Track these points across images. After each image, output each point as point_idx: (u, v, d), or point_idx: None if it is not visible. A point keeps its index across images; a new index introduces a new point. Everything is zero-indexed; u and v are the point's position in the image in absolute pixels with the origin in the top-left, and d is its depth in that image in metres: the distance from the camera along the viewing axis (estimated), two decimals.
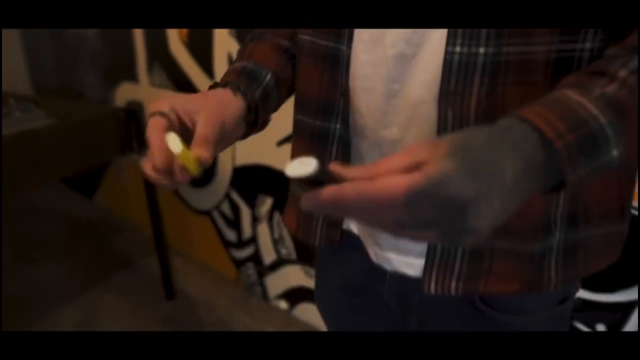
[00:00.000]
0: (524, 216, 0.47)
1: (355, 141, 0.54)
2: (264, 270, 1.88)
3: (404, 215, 0.33)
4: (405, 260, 0.53)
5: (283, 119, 1.62)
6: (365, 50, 0.50)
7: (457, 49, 0.43)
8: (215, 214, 2.01)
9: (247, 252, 1.93)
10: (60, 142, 1.44)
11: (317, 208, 0.35)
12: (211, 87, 0.54)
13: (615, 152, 0.35)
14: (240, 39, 1.61)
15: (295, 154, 0.63)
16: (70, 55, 2.50)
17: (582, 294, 1.09)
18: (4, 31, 2.75)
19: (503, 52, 0.42)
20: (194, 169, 0.45)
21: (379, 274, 0.59)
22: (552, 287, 0.51)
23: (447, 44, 0.44)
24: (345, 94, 0.53)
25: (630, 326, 1.04)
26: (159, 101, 0.48)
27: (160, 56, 1.96)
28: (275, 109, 0.63)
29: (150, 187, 1.76)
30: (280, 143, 1.63)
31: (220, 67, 1.72)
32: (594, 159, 0.35)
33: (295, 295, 1.81)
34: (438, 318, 0.58)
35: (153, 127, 0.44)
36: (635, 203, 0.98)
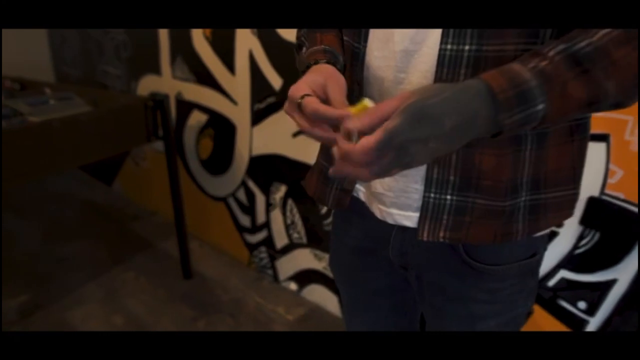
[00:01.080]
0: (497, 180, 0.60)
1: None
2: (275, 254, 2.02)
3: (378, 160, 0.47)
4: (405, 214, 0.66)
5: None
6: (378, 47, 0.62)
7: (448, 46, 0.56)
8: (231, 201, 2.14)
9: (260, 236, 2.06)
10: (97, 128, 1.57)
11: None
12: (308, 66, 0.63)
13: (540, 107, 0.49)
14: (261, 37, 1.74)
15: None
16: (94, 47, 2.64)
17: (566, 274, 1.21)
18: None
19: (483, 50, 0.55)
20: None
21: (384, 235, 0.72)
22: (519, 238, 0.63)
23: (441, 42, 0.56)
24: (360, 82, 0.66)
25: (608, 304, 1.16)
26: (297, 87, 0.58)
27: (183, 50, 2.09)
28: None
29: (173, 174, 1.89)
30: (295, 135, 1.75)
31: (242, 63, 1.85)
32: (524, 110, 0.49)
33: (304, 277, 1.94)
34: (431, 270, 0.71)
35: (311, 102, 0.55)
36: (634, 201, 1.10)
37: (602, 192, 1.12)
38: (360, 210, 0.73)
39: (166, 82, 2.24)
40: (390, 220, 0.68)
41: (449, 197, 0.62)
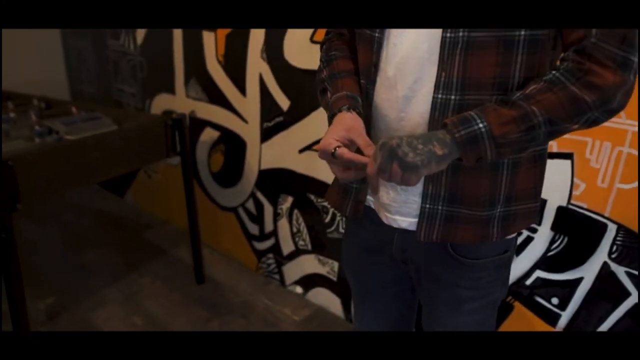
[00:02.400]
0: (478, 196, 0.78)
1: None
2: (282, 260, 2.19)
3: (389, 172, 0.69)
4: (406, 219, 0.84)
5: (305, 131, 1.95)
6: (384, 92, 0.80)
7: (439, 95, 0.74)
8: (241, 211, 2.31)
9: (268, 244, 2.23)
10: (123, 144, 1.75)
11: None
12: (333, 115, 0.82)
13: (481, 125, 0.69)
14: (270, 62, 1.93)
15: None
16: (111, 67, 2.82)
17: (541, 274, 1.39)
18: (47, 39, 3.07)
19: (465, 99, 0.73)
20: None
21: (389, 237, 0.90)
22: (494, 240, 0.82)
23: (434, 92, 0.75)
24: (368, 119, 0.84)
25: (576, 299, 1.34)
26: (328, 142, 0.76)
27: (197, 72, 2.28)
28: None
29: (189, 186, 2.07)
30: (302, 151, 1.94)
31: (252, 85, 2.03)
32: (467, 127, 0.69)
33: (309, 281, 2.11)
34: (427, 264, 0.89)
35: (344, 153, 0.74)
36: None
37: (568, 202, 1.30)
38: (371, 217, 0.91)
39: (180, 101, 2.43)
40: (394, 225, 0.86)
41: (440, 207, 0.80)
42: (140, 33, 2.52)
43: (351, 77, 0.88)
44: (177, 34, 2.32)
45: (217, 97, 2.22)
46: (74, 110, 2.06)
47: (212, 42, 2.16)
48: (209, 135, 2.34)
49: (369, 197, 0.90)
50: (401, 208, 0.84)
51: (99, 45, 2.84)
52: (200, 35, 2.20)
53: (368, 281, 1.02)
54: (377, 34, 0.79)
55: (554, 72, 0.69)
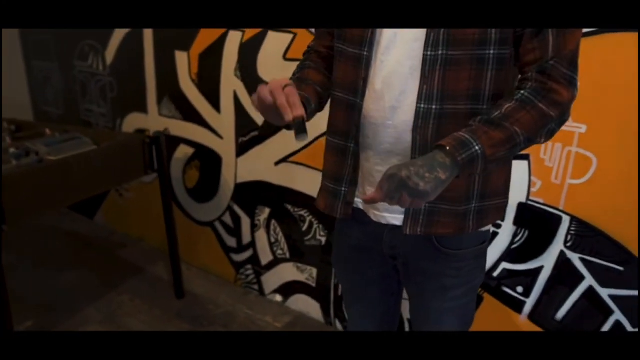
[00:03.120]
0: (456, 193, 0.89)
1: (362, 152, 0.95)
2: (261, 270, 2.25)
3: (397, 197, 0.76)
4: (393, 216, 0.94)
5: (280, 144, 2.05)
6: (373, 103, 0.91)
7: (422, 105, 0.85)
8: (217, 224, 2.36)
9: (246, 255, 2.29)
10: (103, 163, 1.79)
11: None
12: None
13: (477, 147, 0.77)
14: (244, 79, 2.01)
15: (326, 162, 1.03)
16: (78, 88, 2.83)
17: (506, 265, 1.53)
18: (9, 61, 3.04)
19: (444, 108, 0.85)
20: None
21: (379, 235, 0.99)
22: (470, 231, 0.93)
23: (417, 102, 0.86)
24: (357, 126, 0.94)
25: (538, 286, 1.48)
26: (279, 80, 0.82)
27: (170, 91, 2.33)
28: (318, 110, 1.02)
29: (167, 203, 2.11)
30: (278, 163, 2.02)
31: (227, 102, 2.11)
32: (467, 151, 0.78)
33: (289, 289, 2.18)
34: (414, 257, 0.99)
35: (293, 92, 0.80)
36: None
37: (527, 198, 1.44)
38: (359, 217, 1.00)
39: (153, 120, 2.47)
40: (383, 221, 0.96)
41: (425, 204, 0.91)
42: (110, 53, 2.56)
43: (314, 87, 0.98)
44: (149, 53, 2.37)
45: (191, 115, 2.28)
46: (47, 131, 2.07)
47: (185, 62, 2.22)
48: (183, 152, 2.39)
49: (357, 199, 1.00)
50: (388, 206, 0.94)
51: (66, 67, 2.84)
52: (173, 54, 2.26)
53: (358, 278, 1.12)
54: (365, 52, 0.90)
55: (522, 91, 0.82)
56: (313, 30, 1.76)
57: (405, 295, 1.17)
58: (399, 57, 0.86)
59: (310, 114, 0.97)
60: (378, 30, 0.89)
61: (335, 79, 0.98)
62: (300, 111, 0.81)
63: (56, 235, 2.90)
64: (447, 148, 0.78)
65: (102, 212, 3.03)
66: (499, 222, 1.50)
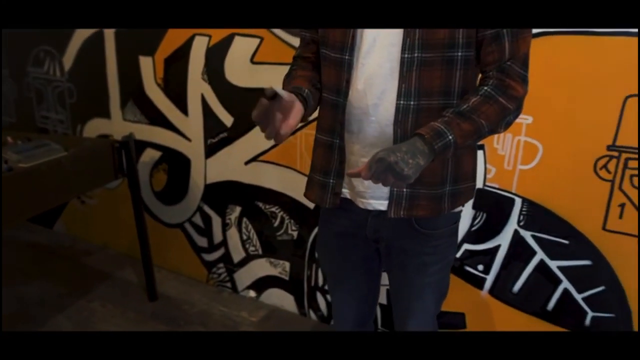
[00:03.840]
0: (433, 178, 1.01)
1: (348, 146, 1.05)
2: (233, 268, 2.31)
3: (382, 177, 0.86)
4: (379, 202, 1.05)
5: (250, 144, 2.13)
6: (355, 101, 1.01)
7: (402, 101, 0.97)
8: (187, 225, 2.40)
9: (217, 254, 2.34)
10: (75, 169, 1.79)
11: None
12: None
13: (450, 137, 0.89)
14: (211, 82, 2.07)
15: (315, 157, 1.13)
16: (33, 95, 2.76)
17: (468, 246, 1.68)
18: None
19: (421, 104, 0.96)
20: None
21: (362, 220, 1.10)
22: (446, 212, 1.05)
23: (397, 99, 0.97)
24: (342, 123, 1.04)
25: (497, 263, 1.64)
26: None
27: (134, 95, 2.35)
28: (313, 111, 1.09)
29: (137, 207, 2.12)
30: (247, 162, 2.09)
31: (194, 105, 2.16)
32: (442, 140, 0.89)
33: (262, 284, 2.25)
34: (396, 238, 1.10)
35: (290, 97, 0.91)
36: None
37: (484, 184, 1.60)
38: (346, 206, 1.10)
39: (116, 125, 2.46)
40: (369, 208, 1.06)
41: (405, 189, 1.02)
42: (68, 59, 2.53)
43: (303, 79, 1.07)
44: (110, 59, 2.37)
45: (157, 119, 2.31)
46: (9, 139, 2.04)
47: (150, 66, 2.25)
48: (149, 155, 2.41)
49: (344, 189, 1.10)
50: (374, 193, 1.04)
51: (18, 74, 2.77)
52: (137, 59, 2.28)
53: (342, 263, 1.22)
54: (347, 57, 1.00)
55: (485, 87, 0.95)
56: (280, 34, 1.85)
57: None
58: (378, 60, 0.97)
59: (309, 101, 1.02)
60: (358, 36, 0.99)
61: (323, 83, 1.08)
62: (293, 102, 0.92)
63: (15, 247, 2.81)
64: (426, 137, 0.90)
65: (63, 221, 2.97)
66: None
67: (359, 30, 0.99)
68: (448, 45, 0.94)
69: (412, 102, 0.97)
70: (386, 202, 1.04)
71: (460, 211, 1.15)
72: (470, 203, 1.63)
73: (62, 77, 2.59)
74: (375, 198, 1.05)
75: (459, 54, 0.94)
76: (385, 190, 1.04)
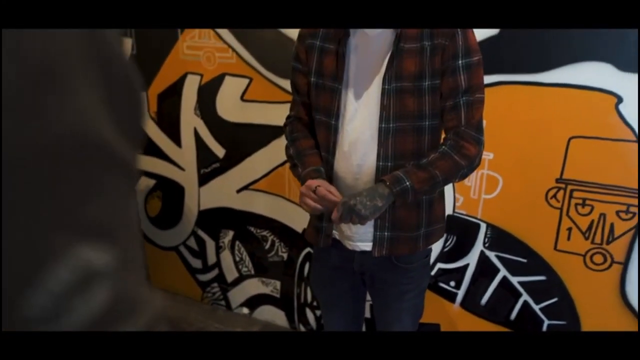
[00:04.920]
0: (410, 224, 1.22)
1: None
2: (227, 287, 2.48)
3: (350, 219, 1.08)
4: (364, 244, 1.24)
5: (241, 174, 2.31)
6: (342, 161, 1.21)
7: (381, 163, 1.16)
8: (182, 248, 2.56)
9: (211, 275, 2.51)
10: None
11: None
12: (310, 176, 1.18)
13: (408, 183, 1.10)
14: (203, 117, 2.24)
15: None
16: None
17: (441, 265, 1.90)
18: None
19: (396, 164, 1.16)
20: None
21: (350, 257, 1.29)
22: (421, 250, 1.26)
23: (377, 161, 1.16)
24: (330, 177, 1.23)
25: (466, 279, 1.87)
26: (310, 183, 1.13)
27: None
28: None
29: None
30: (239, 191, 2.27)
31: (187, 138, 2.32)
32: (400, 185, 1.10)
33: (255, 301, 2.43)
34: (379, 271, 1.29)
35: (323, 190, 1.11)
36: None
37: (454, 211, 1.82)
38: (336, 245, 1.30)
39: None
40: (356, 249, 1.26)
41: (386, 233, 1.22)
42: None
43: (314, 154, 1.26)
44: None
45: (151, 149, 2.46)
46: None
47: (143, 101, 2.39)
48: (144, 183, 2.56)
49: (335, 232, 1.30)
50: (360, 237, 1.25)
51: None
52: None
53: (333, 291, 1.41)
54: (333, 122, 1.20)
55: (443, 146, 1.16)
56: (268, 75, 2.04)
57: (368, 297, 1.48)
58: (360, 127, 1.17)
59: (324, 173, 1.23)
60: (342, 105, 1.19)
61: (319, 142, 1.27)
62: (338, 200, 1.11)
63: None
64: (387, 183, 1.11)
65: None
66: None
67: (342, 100, 1.19)
68: (418, 117, 1.14)
69: (389, 163, 1.17)
70: (371, 244, 1.24)
71: (431, 248, 1.36)
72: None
73: None
74: (362, 241, 1.25)
75: (427, 123, 1.15)
76: (370, 235, 1.24)
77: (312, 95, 1.25)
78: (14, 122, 0.22)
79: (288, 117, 1.37)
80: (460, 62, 1.12)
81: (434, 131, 1.17)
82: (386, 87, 1.14)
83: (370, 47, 1.17)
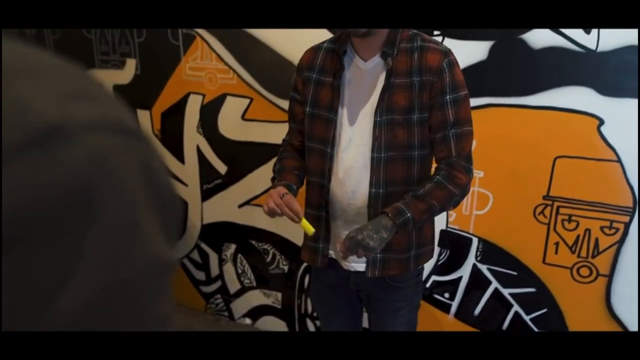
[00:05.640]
0: (401, 246, 1.30)
1: (332, 221, 1.32)
2: (230, 298, 2.56)
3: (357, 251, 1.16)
4: (359, 264, 1.32)
5: (243, 190, 2.38)
6: (337, 187, 1.29)
7: (373, 190, 1.24)
8: (186, 261, 2.63)
9: (214, 286, 2.59)
10: None
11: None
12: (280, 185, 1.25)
13: (409, 214, 1.18)
14: (205, 135, 2.32)
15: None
16: None
17: (435, 277, 1.98)
18: None
19: (388, 191, 1.24)
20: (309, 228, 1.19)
21: (346, 275, 1.37)
22: (412, 270, 1.34)
23: (369, 188, 1.24)
24: (327, 201, 1.31)
25: (460, 291, 1.95)
26: (280, 189, 1.19)
27: None
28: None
29: None
30: (241, 206, 2.35)
31: (190, 155, 2.40)
32: (402, 217, 1.18)
33: (257, 312, 2.50)
34: (373, 290, 1.37)
35: (291, 198, 1.18)
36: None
37: (447, 226, 1.91)
38: (333, 264, 1.38)
39: None
40: (351, 269, 1.34)
41: (379, 255, 1.30)
42: None
43: (293, 173, 1.34)
44: None
45: None
46: None
47: (147, 119, 2.48)
48: None
49: (331, 251, 1.38)
50: (355, 258, 1.32)
51: None
52: (135, 112, 2.51)
53: (331, 307, 1.49)
54: (329, 150, 1.27)
55: (437, 176, 1.23)
56: (268, 96, 2.12)
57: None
58: (354, 156, 1.26)
59: (296, 192, 1.32)
60: (337, 134, 1.27)
61: (309, 167, 1.35)
62: (301, 214, 1.18)
63: None
64: (390, 215, 1.19)
65: None
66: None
67: (337, 130, 1.27)
68: (407, 147, 1.23)
69: (381, 190, 1.25)
70: (364, 265, 1.32)
71: (424, 266, 1.44)
72: (436, 242, 1.93)
73: None
74: (356, 262, 1.33)
75: (416, 153, 1.24)
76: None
77: (307, 124, 1.33)
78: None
79: (283, 140, 1.45)
80: (447, 97, 1.20)
81: (422, 160, 1.26)
82: (378, 119, 1.22)
83: (364, 81, 1.26)
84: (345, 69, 1.27)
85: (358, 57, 1.26)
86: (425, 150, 1.25)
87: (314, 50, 1.34)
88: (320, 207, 1.33)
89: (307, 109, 1.31)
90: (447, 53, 1.22)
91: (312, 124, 1.32)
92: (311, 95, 1.31)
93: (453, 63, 1.22)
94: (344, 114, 1.27)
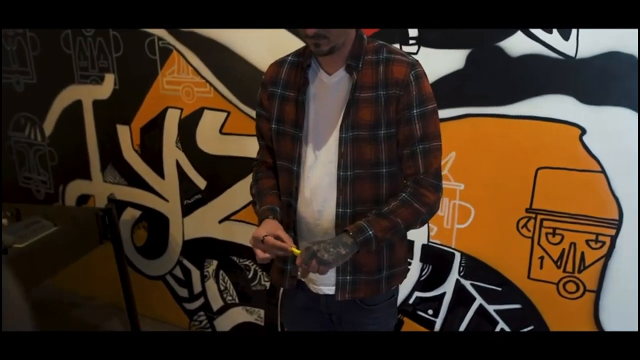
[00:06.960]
0: (370, 266, 1.23)
1: (300, 241, 1.26)
2: (213, 315, 2.49)
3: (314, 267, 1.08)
4: (327, 288, 1.26)
5: (222, 205, 2.33)
6: (304, 206, 1.23)
7: (340, 209, 1.18)
8: (169, 277, 2.58)
9: (197, 303, 2.53)
10: (63, 241, 1.97)
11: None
12: (262, 220, 1.19)
13: (370, 232, 1.12)
14: (185, 150, 2.27)
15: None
16: (15, 157, 2.91)
17: (418, 293, 1.91)
18: None
19: (355, 210, 1.18)
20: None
21: (317, 298, 1.31)
22: (384, 292, 1.27)
23: (336, 207, 1.18)
24: (294, 222, 1.25)
25: (444, 307, 1.88)
26: (258, 231, 1.12)
27: (113, 160, 2.53)
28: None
29: (122, 267, 2.29)
30: (221, 221, 2.30)
31: (170, 170, 2.35)
32: (363, 234, 1.11)
33: (240, 329, 2.44)
34: (344, 313, 1.30)
35: (270, 240, 1.10)
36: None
37: (428, 240, 1.84)
38: (302, 286, 1.32)
39: (97, 186, 2.64)
40: (320, 292, 1.28)
41: (348, 277, 1.23)
42: (49, 126, 2.70)
43: (272, 194, 1.29)
44: (90, 126, 2.55)
45: (136, 181, 2.49)
46: (4, 222, 2.13)
47: (127, 134, 2.44)
48: (130, 214, 2.59)
49: (299, 274, 1.32)
50: (323, 281, 1.26)
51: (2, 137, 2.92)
52: (114, 127, 2.46)
53: (304, 329, 1.43)
54: (295, 168, 1.22)
55: (403, 194, 1.17)
56: (244, 109, 2.07)
57: None
58: (320, 174, 1.20)
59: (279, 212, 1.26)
60: (303, 152, 1.22)
61: (280, 185, 1.29)
62: (289, 247, 1.12)
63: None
64: (350, 233, 1.13)
65: None
66: (409, 259, 1.88)
67: (303, 147, 1.22)
68: (375, 164, 1.17)
69: (348, 210, 1.19)
70: (333, 288, 1.26)
71: (397, 287, 1.38)
72: (417, 257, 1.87)
73: (43, 142, 2.76)
74: (324, 284, 1.27)
75: (384, 170, 1.18)
76: (332, 279, 1.25)
77: (274, 141, 1.28)
78: None
79: (255, 160, 1.40)
80: (414, 111, 1.15)
81: (391, 178, 1.20)
82: (343, 135, 1.17)
83: (328, 96, 1.20)
84: (310, 83, 1.21)
85: (322, 71, 1.20)
86: (394, 167, 1.19)
87: (278, 64, 1.29)
88: (289, 228, 1.27)
89: (273, 126, 1.26)
90: (414, 65, 1.16)
91: (278, 141, 1.26)
92: (276, 111, 1.26)
93: (420, 75, 1.16)
94: (309, 130, 1.22)
